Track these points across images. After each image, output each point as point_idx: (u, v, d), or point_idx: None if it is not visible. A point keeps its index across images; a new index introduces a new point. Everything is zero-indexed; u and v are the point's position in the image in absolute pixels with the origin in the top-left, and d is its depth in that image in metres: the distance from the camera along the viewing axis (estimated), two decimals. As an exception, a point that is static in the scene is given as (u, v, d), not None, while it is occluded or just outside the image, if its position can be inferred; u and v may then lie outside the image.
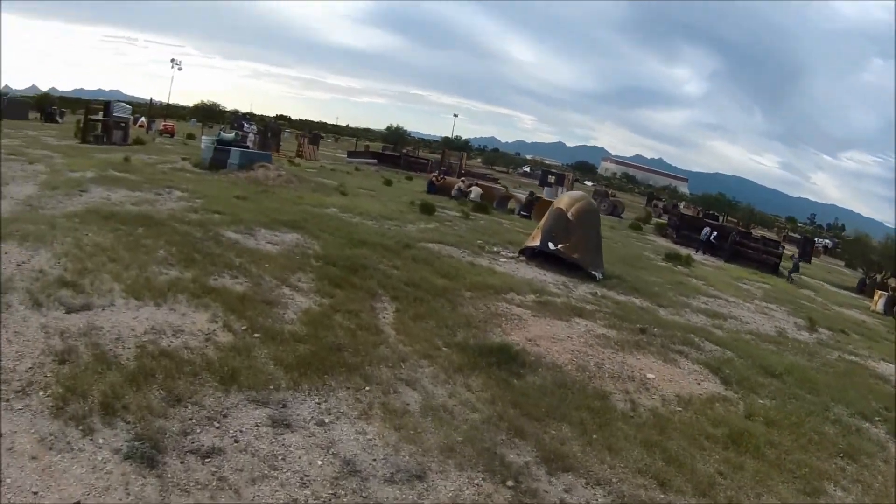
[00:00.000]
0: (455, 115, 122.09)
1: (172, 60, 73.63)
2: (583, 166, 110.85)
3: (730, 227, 29.92)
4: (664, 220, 39.01)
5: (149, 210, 9.66)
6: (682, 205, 68.44)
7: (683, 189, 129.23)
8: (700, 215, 43.51)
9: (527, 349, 6.31)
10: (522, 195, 25.31)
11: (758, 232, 41.93)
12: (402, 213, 14.94)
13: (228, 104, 67.41)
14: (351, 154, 45.57)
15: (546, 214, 11.81)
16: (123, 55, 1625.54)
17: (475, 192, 22.69)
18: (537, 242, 11.19)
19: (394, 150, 55.79)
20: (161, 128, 41.01)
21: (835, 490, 4.92)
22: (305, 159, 33.72)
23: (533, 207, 21.26)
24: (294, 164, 25.95)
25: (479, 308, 7.48)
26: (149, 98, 64.76)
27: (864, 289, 25.76)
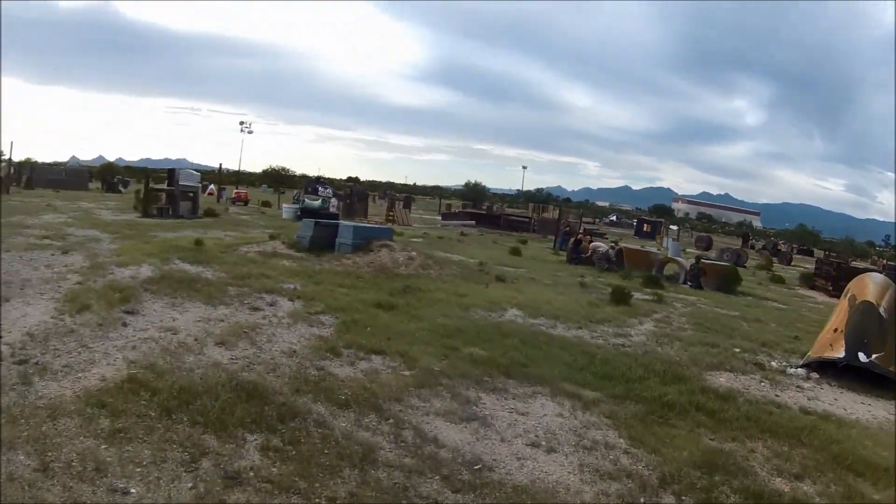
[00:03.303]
0: (524, 167, 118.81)
1: (242, 123, 71.99)
2: (659, 209, 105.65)
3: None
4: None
5: (253, 359, 4.76)
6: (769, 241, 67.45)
7: (757, 223, 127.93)
8: (794, 251, 37.76)
9: None
10: (656, 254, 19.84)
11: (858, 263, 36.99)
12: (595, 305, 10.27)
13: (296, 168, 65.07)
14: (445, 216, 40.24)
15: (845, 309, 8.17)
16: (187, 125, 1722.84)
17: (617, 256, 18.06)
18: (840, 353, 7.49)
19: (474, 206, 51.57)
20: (234, 195, 37.13)
21: None
22: (399, 224, 29.26)
23: (702, 275, 16.94)
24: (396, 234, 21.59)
25: None
26: (217, 164, 62.72)
27: None
